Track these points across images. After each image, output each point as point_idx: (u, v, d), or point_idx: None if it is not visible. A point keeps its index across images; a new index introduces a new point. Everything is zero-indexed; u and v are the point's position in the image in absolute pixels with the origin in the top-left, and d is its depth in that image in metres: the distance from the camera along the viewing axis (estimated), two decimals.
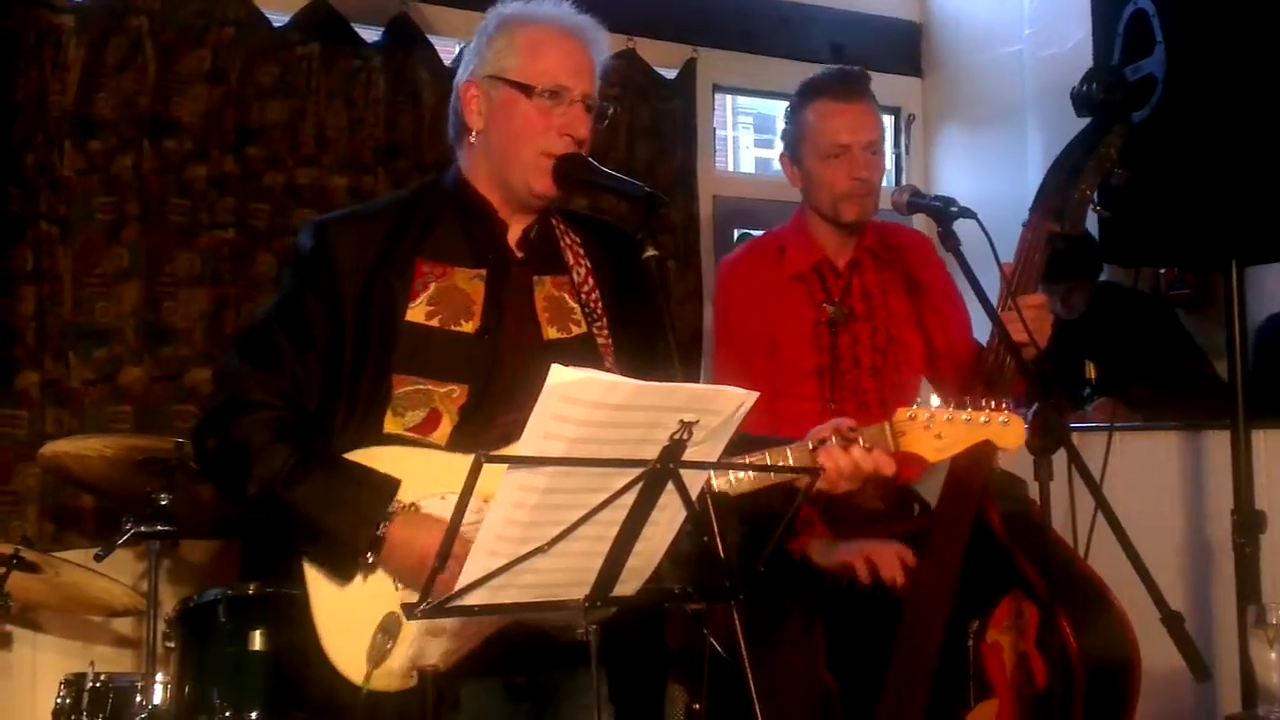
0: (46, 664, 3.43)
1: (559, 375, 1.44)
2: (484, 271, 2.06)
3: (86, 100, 3.53)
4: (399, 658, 1.87)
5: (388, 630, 1.86)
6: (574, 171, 2.06)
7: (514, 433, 1.90)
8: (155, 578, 3.01)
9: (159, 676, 2.89)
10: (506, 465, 1.48)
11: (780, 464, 1.99)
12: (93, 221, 3.52)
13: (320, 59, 3.85)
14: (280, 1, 3.84)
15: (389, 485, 1.92)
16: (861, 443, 1.99)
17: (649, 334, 2.11)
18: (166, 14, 3.64)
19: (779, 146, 2.95)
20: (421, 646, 1.87)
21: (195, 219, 3.64)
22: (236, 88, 3.72)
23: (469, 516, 1.77)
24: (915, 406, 1.98)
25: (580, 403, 1.46)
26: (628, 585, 1.66)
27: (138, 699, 2.87)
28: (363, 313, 2.01)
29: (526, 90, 2.03)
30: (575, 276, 2.12)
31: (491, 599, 1.56)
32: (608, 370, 1.94)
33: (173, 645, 2.92)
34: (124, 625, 3.54)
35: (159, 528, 2.98)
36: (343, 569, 1.92)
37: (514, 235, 2.12)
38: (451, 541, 1.50)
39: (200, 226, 3.65)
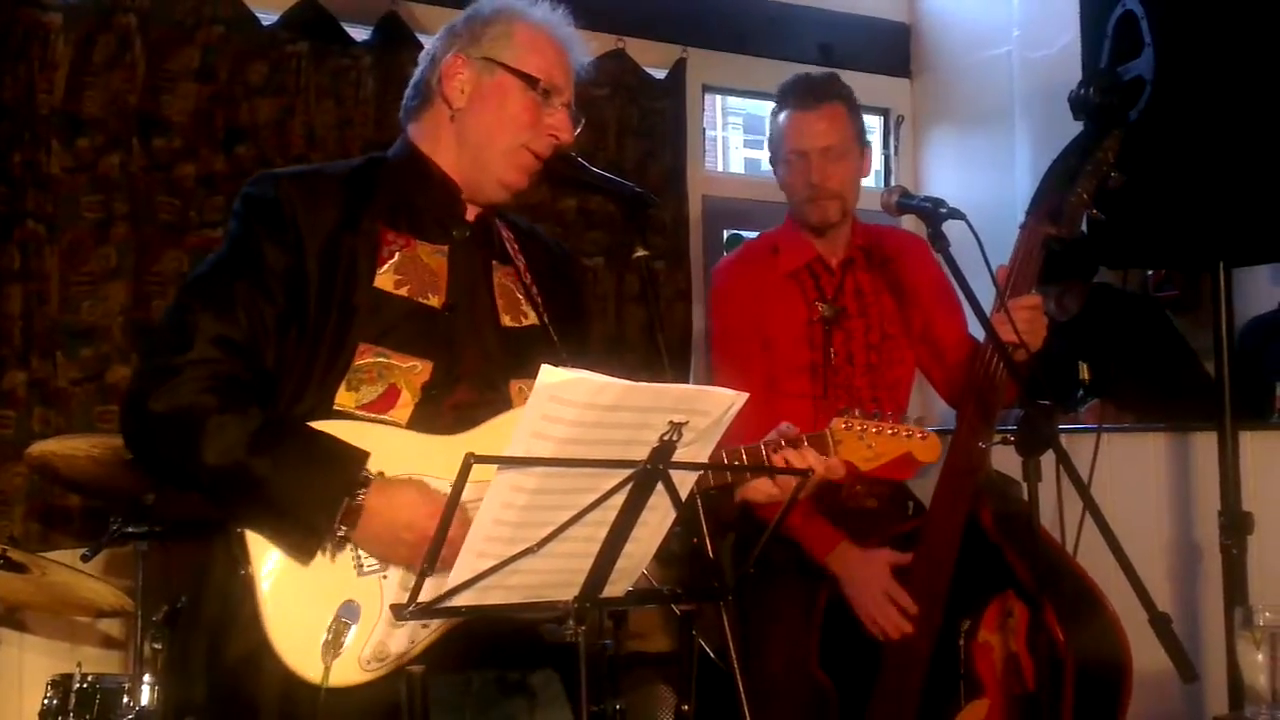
0: (33, 665, 3.41)
1: (549, 375, 1.43)
2: (446, 248, 2.02)
3: (74, 98, 3.51)
4: (359, 649, 1.78)
5: (346, 620, 1.77)
6: (564, 170, 2.06)
7: (472, 416, 1.91)
8: (142, 578, 3.00)
9: (146, 678, 2.87)
10: (469, 454, 1.44)
11: (769, 465, 1.98)
12: (80, 220, 3.50)
13: (309, 58, 3.84)
14: (270, 0, 3.83)
15: (360, 454, 1.80)
16: (805, 446, 2.00)
17: (585, 334, 2.14)
18: (155, 12, 3.62)
19: (767, 150, 3.00)
20: (383, 637, 1.80)
21: (184, 218, 3.63)
22: (226, 86, 3.71)
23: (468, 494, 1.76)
24: (849, 416, 2.09)
25: (570, 403, 1.45)
26: (617, 586, 1.66)
27: (125, 700, 2.85)
28: (327, 273, 1.91)
29: (531, 81, 2.01)
30: (517, 268, 2.11)
31: (480, 600, 1.56)
32: (563, 362, 1.90)
33: (160, 646, 2.91)
34: (111, 626, 3.53)
35: (146, 528, 2.96)
36: (308, 545, 1.78)
37: (469, 217, 2.09)
38: (441, 543, 1.50)
39: (189, 225, 3.63)
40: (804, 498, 2.05)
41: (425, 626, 1.81)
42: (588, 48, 2.13)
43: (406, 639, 1.81)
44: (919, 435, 2.13)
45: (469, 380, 1.96)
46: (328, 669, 1.73)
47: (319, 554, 1.80)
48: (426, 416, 1.91)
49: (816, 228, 2.87)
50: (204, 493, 1.86)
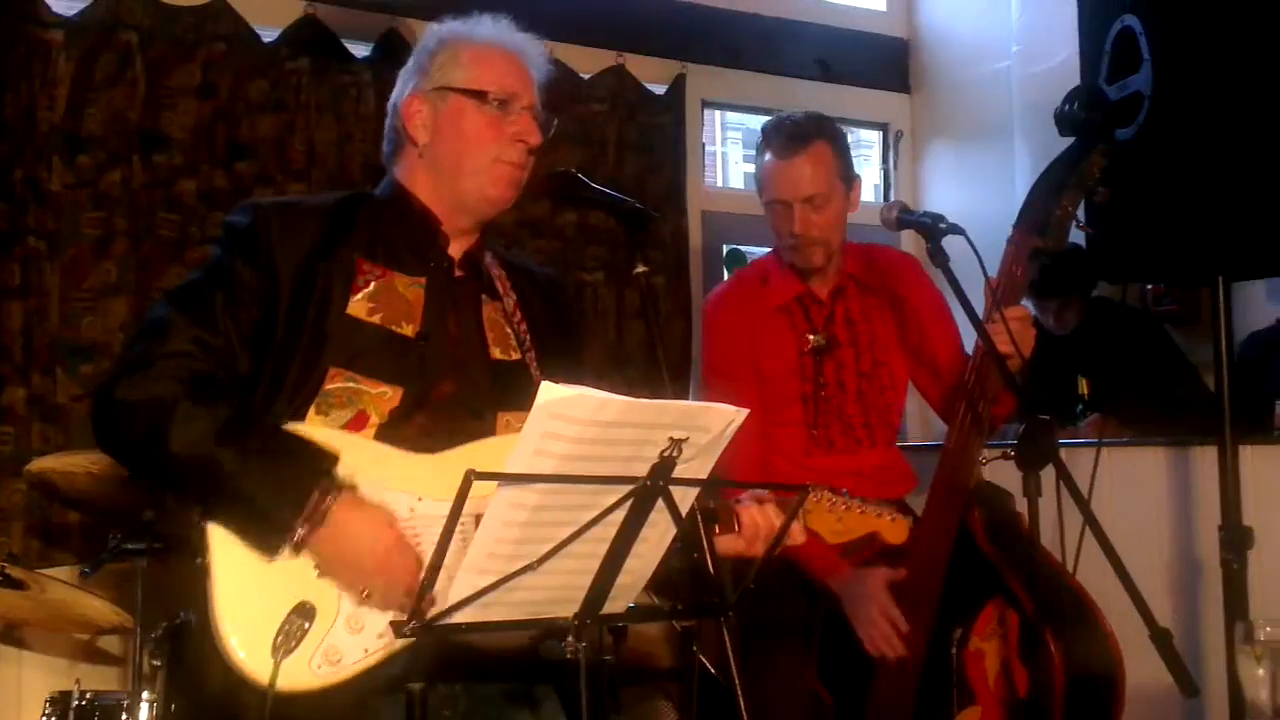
0: (32, 682, 3.41)
1: (550, 392, 1.44)
2: (423, 280, 2.03)
3: (75, 115, 3.52)
4: (310, 652, 1.76)
5: (299, 620, 1.75)
6: (565, 186, 2.07)
7: (442, 444, 1.90)
8: (141, 595, 2.99)
9: (145, 695, 2.86)
10: (470, 470, 1.44)
11: (768, 484, 1.99)
12: (81, 236, 3.51)
13: (310, 74, 3.85)
14: (270, 17, 3.85)
15: (330, 454, 1.81)
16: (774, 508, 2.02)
17: (578, 364, 2.13)
18: (156, 29, 3.64)
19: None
20: (336, 641, 1.78)
21: (185, 234, 3.64)
22: (226, 103, 3.73)
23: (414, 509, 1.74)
24: (824, 492, 2.09)
25: (571, 420, 1.46)
26: (618, 602, 1.66)
27: (124, 717, 2.85)
28: (300, 298, 1.93)
29: (479, 96, 2.03)
30: (506, 306, 2.11)
31: (481, 616, 1.56)
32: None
33: (159, 663, 2.90)
34: (110, 643, 3.52)
35: (146, 545, 2.96)
36: (272, 540, 1.77)
37: (454, 252, 2.10)
38: (442, 556, 1.49)
39: (190, 241, 3.64)
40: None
41: (380, 636, 1.80)
42: (545, 50, 2.13)
43: (360, 647, 1.80)
44: (889, 517, 2.13)
45: (440, 409, 1.96)
46: (275, 668, 1.71)
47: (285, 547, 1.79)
48: (392, 441, 1.91)
49: (801, 271, 2.86)
50: (169, 483, 1.89)
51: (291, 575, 1.79)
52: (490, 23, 2.11)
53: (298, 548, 1.79)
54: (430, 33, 2.13)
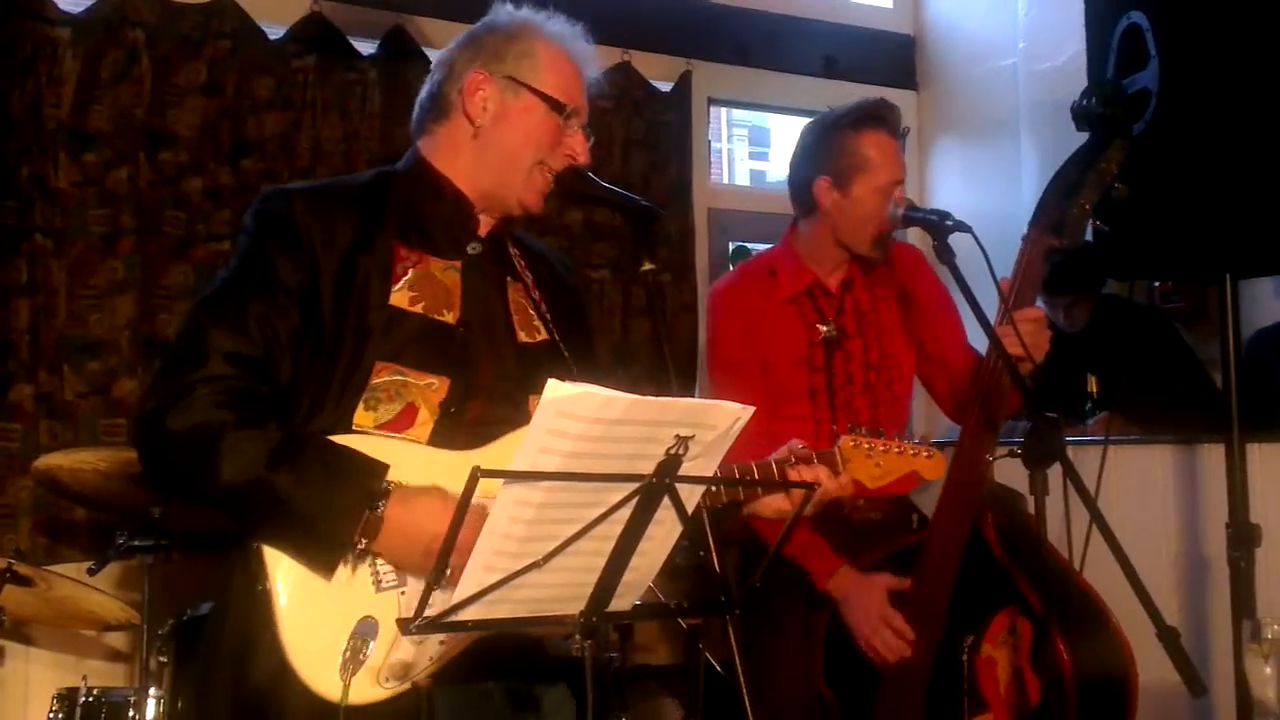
0: (39, 678, 3.42)
1: (555, 390, 1.43)
2: (459, 264, 2.02)
3: (82, 113, 3.53)
4: (377, 666, 1.78)
5: (364, 637, 1.76)
6: (574, 184, 2.06)
7: (490, 432, 1.90)
8: (148, 591, 3.00)
9: (152, 691, 2.88)
10: (476, 467, 1.43)
11: (776, 479, 1.98)
12: (87, 234, 3.52)
13: (316, 71, 3.86)
14: (276, 14, 3.86)
15: (380, 466, 1.79)
16: (816, 463, 2.00)
17: (591, 347, 2.13)
18: (162, 27, 3.65)
19: (791, 166, 2.90)
20: (402, 654, 1.78)
21: (191, 231, 3.65)
22: (232, 100, 3.73)
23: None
24: (857, 435, 2.07)
25: (576, 417, 1.45)
26: (623, 600, 1.65)
27: (131, 714, 2.86)
28: (342, 292, 1.90)
29: (558, 107, 2.01)
30: (526, 286, 2.10)
31: (487, 614, 1.55)
32: (574, 378, 1.79)
33: (166, 660, 2.91)
34: (117, 640, 3.53)
35: (153, 541, 2.97)
36: (330, 559, 1.78)
37: (482, 233, 2.08)
38: (449, 555, 1.49)
39: (196, 239, 3.65)
40: (805, 519, 2.03)
41: (442, 643, 1.80)
42: (599, 67, 2.13)
43: (425, 655, 1.80)
44: (924, 454, 2.12)
45: (485, 396, 1.96)
46: (346, 687, 1.72)
47: (338, 569, 1.80)
48: (446, 434, 1.91)
49: (877, 258, 2.84)
50: (223, 509, 1.85)
51: (352, 593, 1.80)
52: (563, 22, 2.08)
53: (363, 557, 1.80)
54: (503, 11, 2.09)
